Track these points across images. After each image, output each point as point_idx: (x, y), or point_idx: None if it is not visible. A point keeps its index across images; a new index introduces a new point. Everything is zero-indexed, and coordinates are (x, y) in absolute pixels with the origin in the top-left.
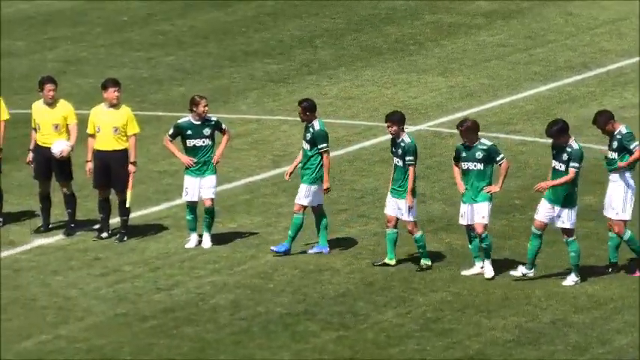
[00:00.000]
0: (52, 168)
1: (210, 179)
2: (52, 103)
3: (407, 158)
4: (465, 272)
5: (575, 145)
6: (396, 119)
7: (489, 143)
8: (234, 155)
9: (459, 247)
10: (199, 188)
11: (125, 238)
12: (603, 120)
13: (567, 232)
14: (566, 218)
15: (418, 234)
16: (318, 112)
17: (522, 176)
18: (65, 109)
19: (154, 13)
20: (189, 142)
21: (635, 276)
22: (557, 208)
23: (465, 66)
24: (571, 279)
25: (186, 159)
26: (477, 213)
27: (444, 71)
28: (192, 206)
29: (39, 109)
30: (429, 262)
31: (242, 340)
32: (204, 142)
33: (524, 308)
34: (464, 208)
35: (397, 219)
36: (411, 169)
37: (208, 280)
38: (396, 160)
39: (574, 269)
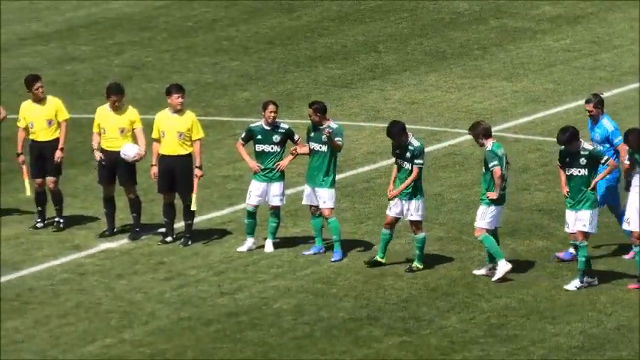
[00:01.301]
0: (116, 172)
1: (276, 186)
2: (118, 108)
3: (415, 161)
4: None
5: (589, 146)
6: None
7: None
8: (297, 160)
9: (522, 252)
10: (266, 194)
11: (189, 243)
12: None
13: (585, 235)
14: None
15: (421, 235)
16: (383, 117)
17: None
18: (132, 114)
19: (219, 18)
20: (258, 147)
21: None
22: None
23: (529, 71)
24: (574, 284)
25: (253, 164)
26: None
27: (509, 76)
28: (251, 210)
29: (105, 114)
30: (421, 266)
31: (305, 345)
32: (272, 148)
33: (588, 314)
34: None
35: (395, 221)
36: (415, 169)
37: (271, 285)
38: (400, 162)
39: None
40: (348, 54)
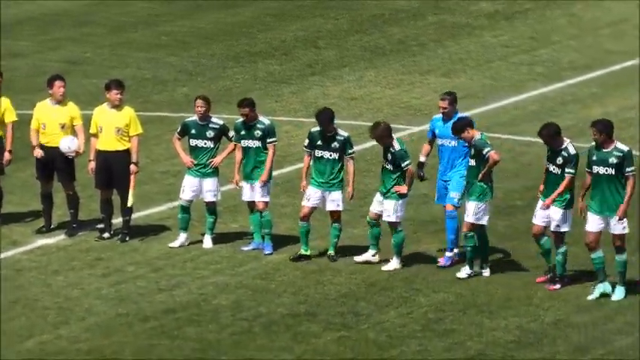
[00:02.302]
0: (54, 168)
1: (210, 182)
2: (61, 101)
3: (348, 151)
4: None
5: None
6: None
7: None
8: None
9: (461, 248)
10: (199, 190)
11: (127, 239)
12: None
13: (472, 226)
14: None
15: (338, 224)
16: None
17: (525, 177)
18: (73, 109)
19: (158, 14)
20: (192, 142)
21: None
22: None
23: (467, 67)
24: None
25: (186, 159)
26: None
27: (447, 72)
28: (185, 205)
29: (45, 109)
30: (333, 252)
31: (243, 341)
32: (205, 143)
33: (525, 309)
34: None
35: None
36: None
37: (210, 281)
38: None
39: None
40: (288, 50)
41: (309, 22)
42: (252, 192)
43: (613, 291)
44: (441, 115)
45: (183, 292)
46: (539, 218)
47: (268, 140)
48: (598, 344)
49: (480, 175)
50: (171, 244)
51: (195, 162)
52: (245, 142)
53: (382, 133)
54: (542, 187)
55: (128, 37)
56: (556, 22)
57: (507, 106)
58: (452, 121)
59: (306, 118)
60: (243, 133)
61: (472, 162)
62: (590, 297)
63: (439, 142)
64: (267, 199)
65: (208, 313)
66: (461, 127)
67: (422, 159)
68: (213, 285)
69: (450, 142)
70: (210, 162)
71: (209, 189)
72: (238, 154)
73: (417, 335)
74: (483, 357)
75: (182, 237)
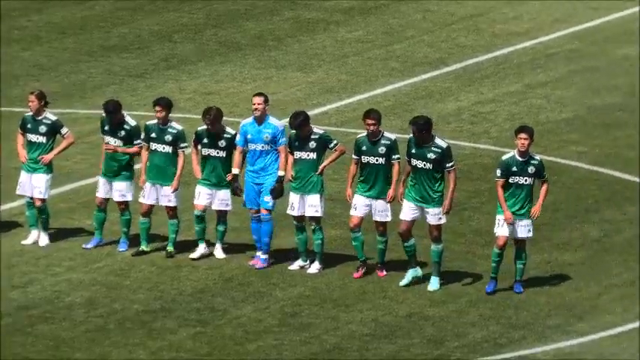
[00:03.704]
0: None
1: (38, 178)
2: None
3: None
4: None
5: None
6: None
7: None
8: (94, 152)
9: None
10: (30, 185)
11: None
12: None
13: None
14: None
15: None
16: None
17: None
18: None
19: (10, 8)
20: (28, 137)
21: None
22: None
23: (323, 62)
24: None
25: (21, 153)
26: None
27: (303, 67)
28: (28, 202)
29: None
30: (172, 249)
31: (98, 338)
32: (38, 138)
33: (380, 302)
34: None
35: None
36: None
37: (64, 278)
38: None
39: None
40: (143, 44)
41: (165, 17)
42: (110, 189)
43: (430, 280)
44: (252, 119)
45: (37, 290)
46: (359, 210)
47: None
48: (452, 337)
49: (321, 168)
50: (24, 242)
51: (28, 157)
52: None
53: (304, 122)
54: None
55: None
56: (410, 18)
57: (362, 100)
58: (263, 125)
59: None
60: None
61: (312, 155)
62: (401, 282)
63: (250, 146)
64: (129, 198)
65: (62, 311)
66: (301, 122)
67: (235, 171)
68: (67, 282)
69: (262, 147)
70: (41, 158)
71: (36, 185)
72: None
73: (274, 330)
74: (339, 350)
75: (34, 234)
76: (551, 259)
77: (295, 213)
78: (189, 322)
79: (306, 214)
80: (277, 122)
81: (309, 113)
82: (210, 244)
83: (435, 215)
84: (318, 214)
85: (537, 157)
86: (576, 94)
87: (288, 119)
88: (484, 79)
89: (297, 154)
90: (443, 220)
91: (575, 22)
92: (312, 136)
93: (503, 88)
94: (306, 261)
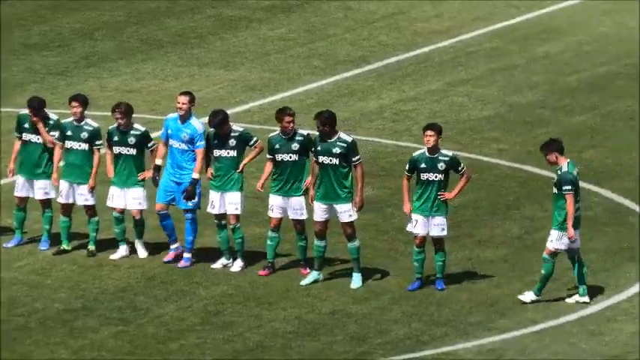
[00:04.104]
0: None
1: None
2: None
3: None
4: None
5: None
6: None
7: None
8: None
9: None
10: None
11: None
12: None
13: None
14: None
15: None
16: (97, 106)
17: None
18: None
19: None
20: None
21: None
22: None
23: (246, 59)
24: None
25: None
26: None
27: (226, 64)
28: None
29: None
30: (93, 247)
31: (19, 337)
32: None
33: (304, 300)
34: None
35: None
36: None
37: None
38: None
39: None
40: (64, 42)
41: (86, 14)
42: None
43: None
44: (176, 115)
45: None
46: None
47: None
48: (375, 334)
49: (242, 165)
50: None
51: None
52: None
53: (223, 120)
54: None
55: None
56: (332, 16)
57: (285, 98)
58: (184, 124)
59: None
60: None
61: (232, 153)
62: (302, 282)
63: (170, 142)
64: (52, 196)
65: None
66: (220, 121)
67: (158, 162)
68: None
69: (179, 145)
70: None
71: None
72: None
73: (197, 328)
74: (262, 348)
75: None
76: (472, 256)
77: (216, 211)
78: (111, 320)
79: (227, 212)
80: (199, 124)
81: (232, 111)
82: (130, 243)
83: (344, 212)
84: (238, 212)
85: (449, 153)
86: (497, 91)
87: (208, 117)
88: (406, 77)
89: (217, 153)
90: (354, 217)
91: (496, 20)
92: (232, 134)
93: (425, 87)
94: (229, 259)
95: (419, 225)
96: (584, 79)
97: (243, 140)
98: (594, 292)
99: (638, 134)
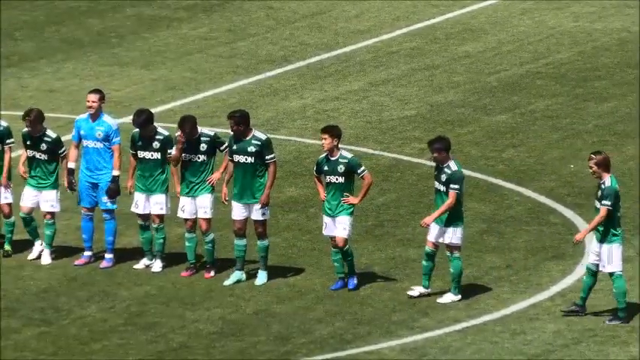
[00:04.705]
0: None
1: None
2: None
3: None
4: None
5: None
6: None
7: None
8: None
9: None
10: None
11: None
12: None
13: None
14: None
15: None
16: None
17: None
18: None
19: None
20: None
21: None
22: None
23: (167, 59)
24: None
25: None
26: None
27: (147, 64)
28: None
29: None
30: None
31: None
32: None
33: (227, 300)
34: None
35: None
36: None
37: None
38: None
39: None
40: None
41: (5, 14)
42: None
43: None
44: (87, 115)
45: None
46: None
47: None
48: (298, 333)
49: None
50: None
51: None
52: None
53: (147, 120)
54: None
55: None
56: (254, 15)
57: (208, 98)
58: (96, 122)
59: (3, 111)
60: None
61: (157, 155)
62: (226, 282)
63: (84, 143)
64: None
65: None
66: (144, 120)
67: (71, 165)
68: None
69: (95, 144)
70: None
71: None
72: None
73: (119, 329)
74: (186, 349)
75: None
76: (395, 255)
77: (140, 211)
78: (33, 321)
79: (151, 212)
80: (112, 120)
81: (154, 110)
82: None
83: (258, 210)
84: (163, 212)
85: (349, 155)
86: (418, 91)
87: (132, 117)
88: (327, 77)
89: (141, 154)
90: (267, 216)
91: (416, 19)
92: (157, 137)
93: (347, 86)
94: (151, 260)
95: (328, 227)
96: (505, 78)
97: (168, 144)
98: (517, 290)
99: (558, 133)
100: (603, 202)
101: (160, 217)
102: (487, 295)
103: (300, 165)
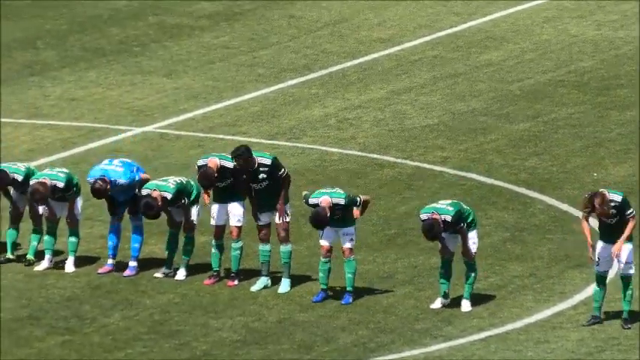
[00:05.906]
0: None
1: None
2: None
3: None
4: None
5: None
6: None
7: None
8: None
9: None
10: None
11: None
12: None
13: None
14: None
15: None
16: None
17: None
18: None
19: None
20: None
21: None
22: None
23: (189, 67)
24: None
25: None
26: None
27: (169, 72)
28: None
29: None
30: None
31: None
32: None
33: (250, 308)
34: None
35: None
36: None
37: None
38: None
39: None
40: (5, 50)
41: (28, 23)
42: None
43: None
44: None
45: None
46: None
47: None
48: (322, 342)
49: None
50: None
51: None
52: None
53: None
54: None
55: None
56: (276, 24)
57: (229, 107)
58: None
59: (25, 119)
60: None
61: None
62: (252, 288)
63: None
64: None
65: None
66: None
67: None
68: None
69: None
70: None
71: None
72: None
73: (143, 337)
74: (209, 357)
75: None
76: (417, 264)
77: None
78: (57, 330)
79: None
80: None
81: (176, 119)
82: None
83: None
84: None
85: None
86: (440, 99)
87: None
88: (350, 85)
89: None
90: (288, 218)
91: (438, 27)
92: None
93: (369, 95)
94: (170, 269)
95: (324, 235)
96: (527, 86)
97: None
98: (540, 299)
99: (581, 142)
100: (627, 212)
101: (193, 226)
102: (510, 304)
103: (323, 174)
